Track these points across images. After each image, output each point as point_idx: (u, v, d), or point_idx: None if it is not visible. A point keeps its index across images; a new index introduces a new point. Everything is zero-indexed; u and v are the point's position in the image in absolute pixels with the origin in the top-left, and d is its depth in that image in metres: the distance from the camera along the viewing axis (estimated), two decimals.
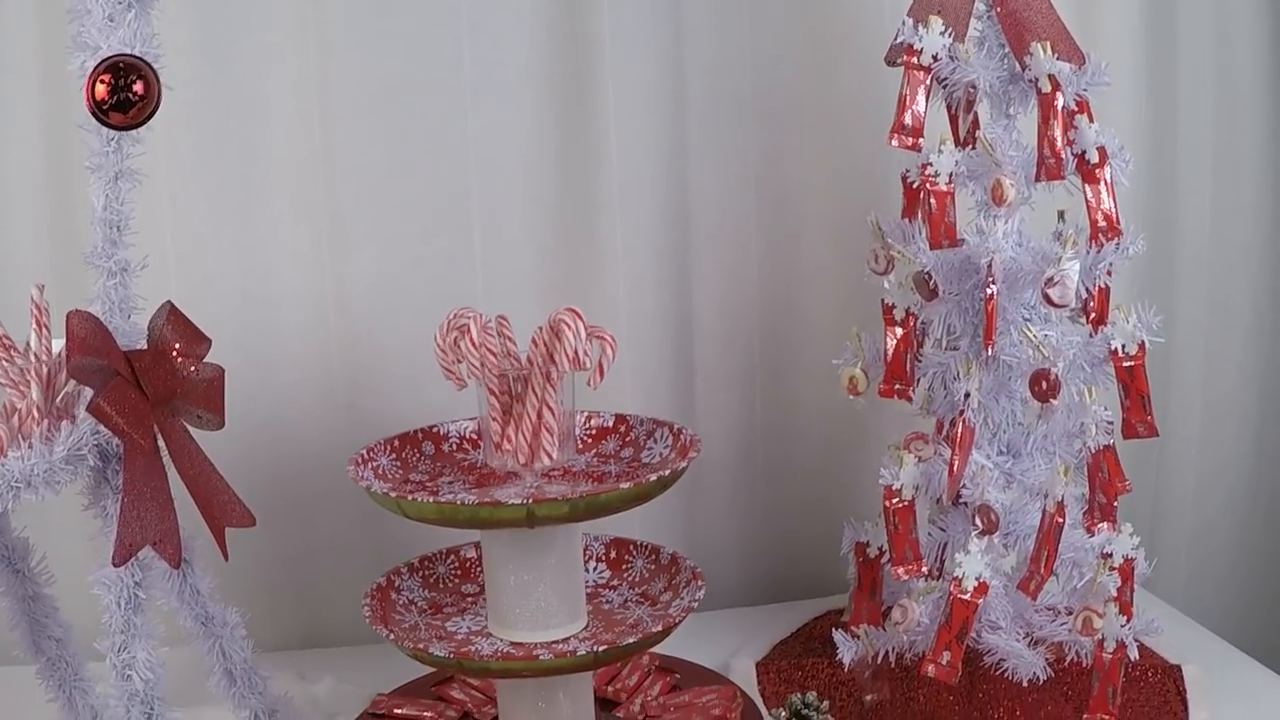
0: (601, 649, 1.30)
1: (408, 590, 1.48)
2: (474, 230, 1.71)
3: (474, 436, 1.49)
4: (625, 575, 1.50)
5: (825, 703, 1.31)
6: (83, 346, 1.27)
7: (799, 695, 1.32)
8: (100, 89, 1.17)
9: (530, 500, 1.25)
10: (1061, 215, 1.47)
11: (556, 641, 1.36)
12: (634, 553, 1.51)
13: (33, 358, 1.36)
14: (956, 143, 1.44)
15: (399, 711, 1.52)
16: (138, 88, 1.19)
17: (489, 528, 1.30)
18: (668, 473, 1.31)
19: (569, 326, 1.32)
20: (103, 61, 1.17)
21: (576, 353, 1.32)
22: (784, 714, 1.31)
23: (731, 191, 1.77)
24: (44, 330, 1.38)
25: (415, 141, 1.68)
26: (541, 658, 1.31)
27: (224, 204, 1.65)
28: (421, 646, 1.33)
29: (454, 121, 1.69)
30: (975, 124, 1.47)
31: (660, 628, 1.34)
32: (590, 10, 1.69)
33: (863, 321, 1.64)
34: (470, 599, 1.49)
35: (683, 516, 1.81)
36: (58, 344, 1.37)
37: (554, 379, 1.35)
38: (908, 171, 1.49)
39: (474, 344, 1.34)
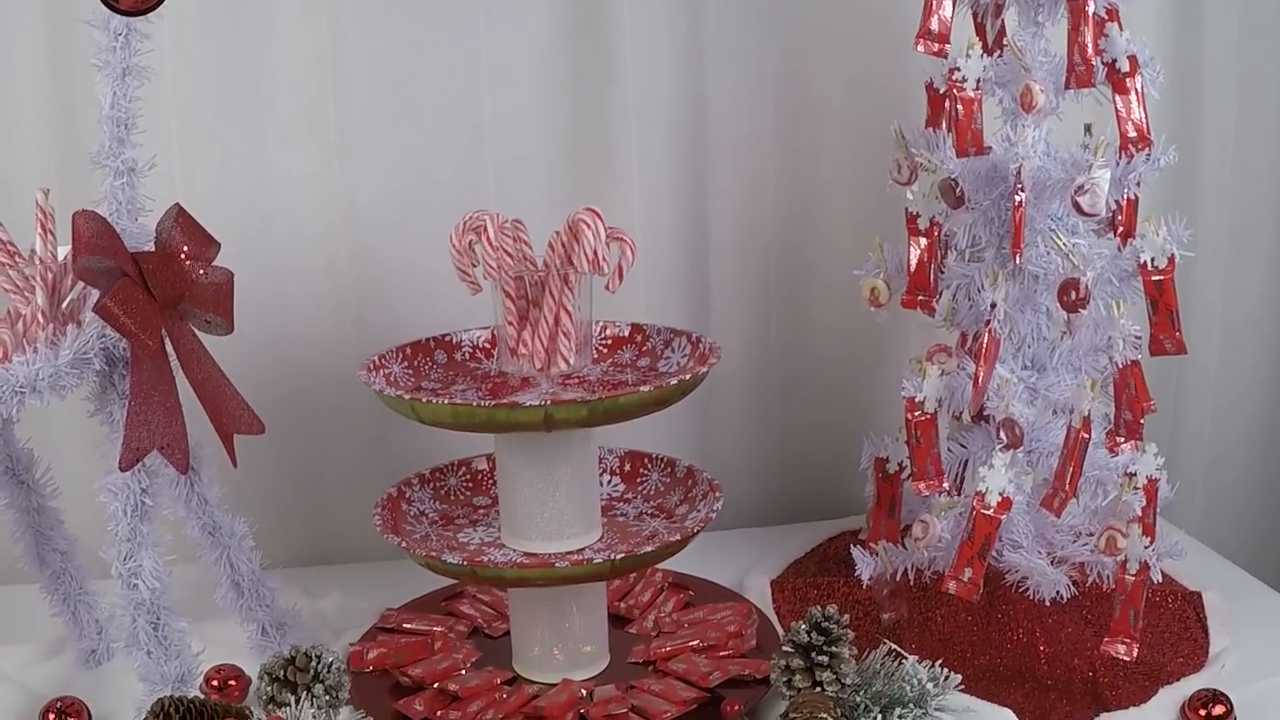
0: (619, 557, 1.27)
1: (418, 502, 1.44)
2: (486, 141, 1.67)
3: (487, 346, 1.45)
4: (640, 489, 1.47)
5: (846, 617, 1.27)
6: (89, 247, 1.24)
7: (819, 609, 1.28)
8: None
9: (548, 402, 1.21)
10: (1088, 129, 1.43)
11: (571, 552, 1.33)
12: (649, 466, 1.48)
13: (38, 263, 1.32)
14: (984, 50, 1.39)
15: (408, 626, 1.49)
16: None
17: (505, 431, 1.26)
18: (688, 377, 1.28)
19: (589, 226, 1.28)
20: None
21: (596, 254, 1.28)
22: (804, 628, 1.27)
23: (749, 103, 1.72)
24: (49, 235, 1.34)
25: (426, 51, 1.63)
26: (557, 566, 1.27)
27: (232, 115, 1.61)
28: (434, 555, 1.29)
29: (466, 30, 1.64)
30: (1002, 31, 1.42)
31: (678, 537, 1.30)
32: None
33: (882, 236, 1.60)
34: (482, 511, 1.46)
35: (696, 434, 1.77)
36: (63, 250, 1.34)
37: (572, 282, 1.31)
38: (932, 79, 1.44)
39: (491, 244, 1.30)
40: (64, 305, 1.34)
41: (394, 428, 1.69)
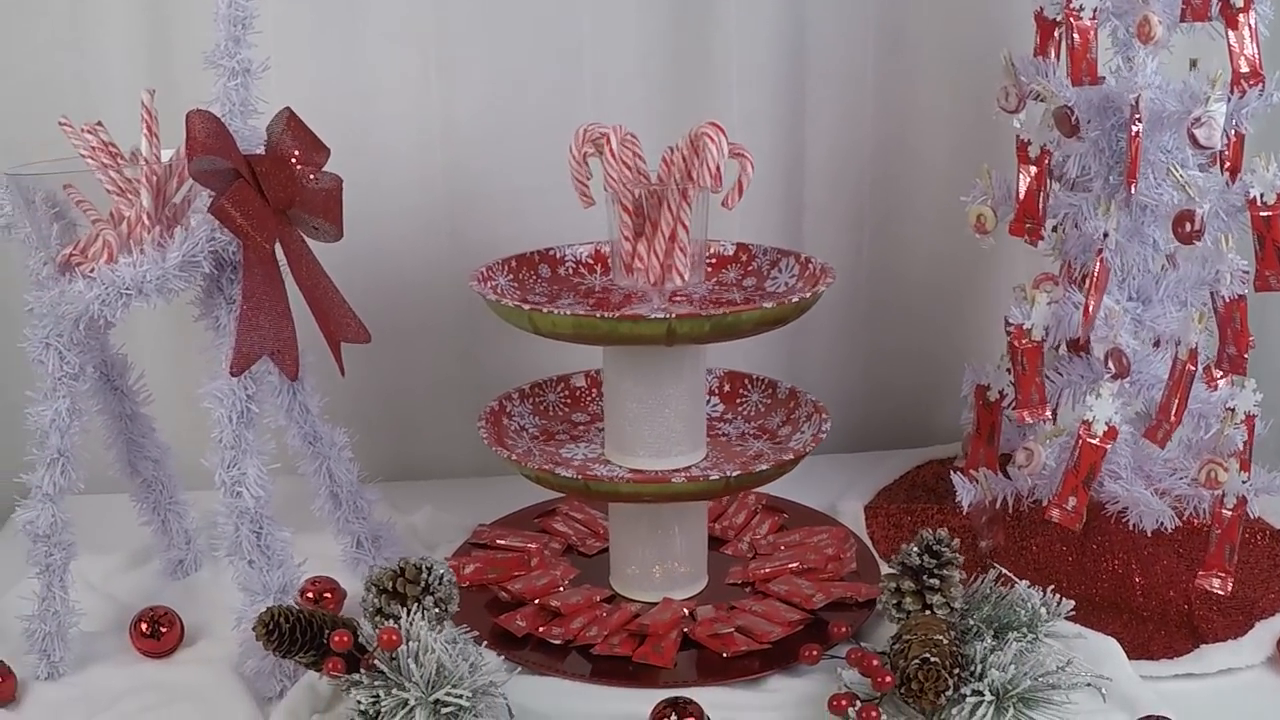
0: (734, 475, 1.23)
1: (518, 416, 1.40)
2: (585, 59, 1.62)
3: (590, 261, 1.41)
4: (740, 409, 1.43)
5: (956, 541, 1.22)
6: (205, 147, 1.18)
7: (930, 531, 1.23)
8: None
9: (673, 316, 1.15)
10: (1194, 64, 1.38)
11: (680, 469, 1.28)
12: (749, 387, 1.44)
13: (143, 164, 1.26)
14: None
15: (501, 542, 1.44)
16: None
17: (626, 343, 1.22)
18: (808, 295, 1.23)
19: (712, 141, 1.23)
20: None
21: (719, 169, 1.22)
22: (915, 550, 1.22)
23: (849, 27, 1.66)
24: (154, 137, 1.27)
25: None
26: (674, 481, 1.22)
27: (329, 24, 1.54)
28: (546, 469, 1.24)
29: None
30: None
31: (791, 456, 1.25)
32: None
33: (977, 163, 1.55)
34: (581, 427, 1.42)
35: (783, 358, 1.73)
36: (167, 152, 1.27)
37: (690, 197, 1.26)
38: (1042, 8, 1.39)
39: (613, 156, 1.25)
40: (168, 208, 1.27)
41: (482, 344, 1.65)
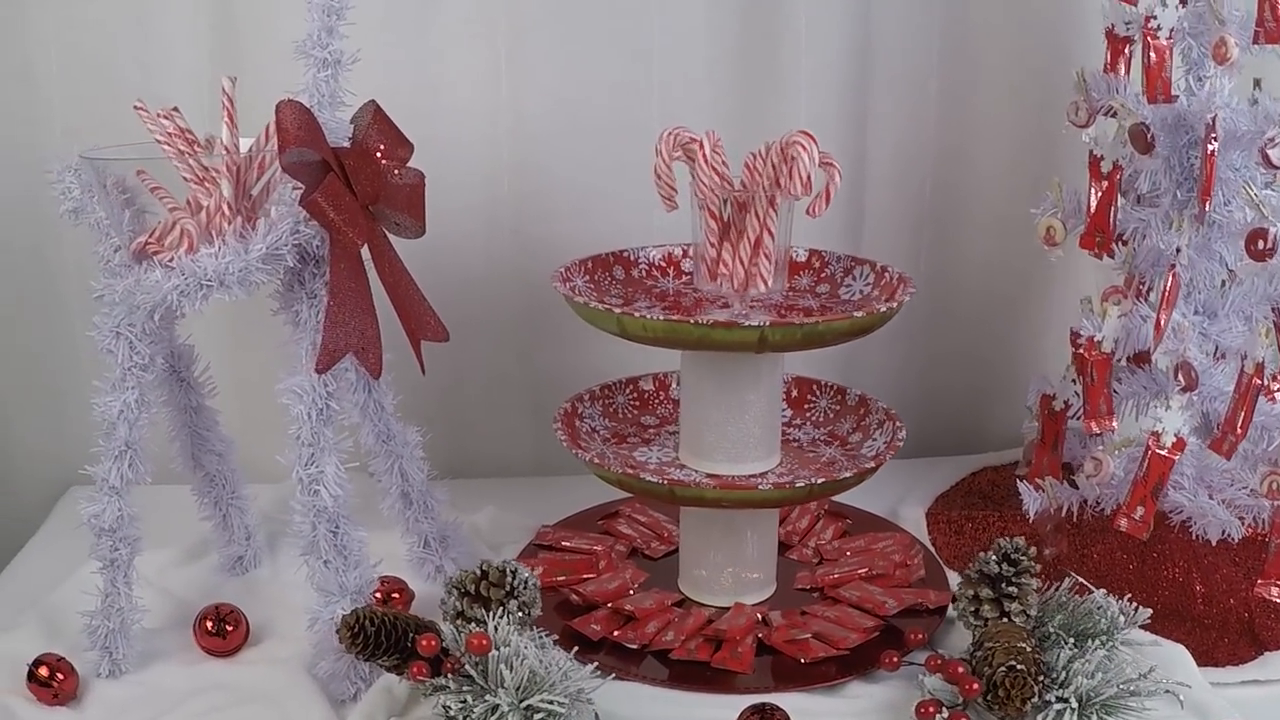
0: (819, 481, 1.20)
1: (590, 418, 1.37)
2: (653, 57, 1.58)
3: (662, 264, 1.38)
4: (808, 415, 1.40)
5: (1032, 550, 1.19)
6: (297, 139, 1.13)
7: (1008, 540, 1.20)
8: None
9: (767, 323, 1.12)
10: (1258, 84, 1.36)
11: (754, 475, 1.24)
12: (818, 392, 1.41)
13: (224, 152, 1.20)
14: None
15: (567, 544, 1.39)
16: None
17: (716, 349, 1.18)
18: (895, 305, 1.21)
19: (804, 149, 1.20)
20: None
21: (809, 178, 1.19)
22: (993, 559, 1.19)
23: (915, 33, 1.64)
24: (235, 125, 1.22)
25: None
26: (760, 488, 1.18)
27: (400, 13, 1.50)
28: (630, 473, 1.20)
29: None
30: None
31: (872, 464, 1.22)
32: None
33: (1036, 173, 1.53)
34: (652, 430, 1.39)
35: (842, 362, 1.71)
36: (245, 141, 1.22)
37: (777, 204, 1.23)
38: (1113, 25, 1.37)
39: (706, 163, 1.21)
40: (246, 198, 1.22)
41: (539, 341, 1.61)
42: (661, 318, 1.15)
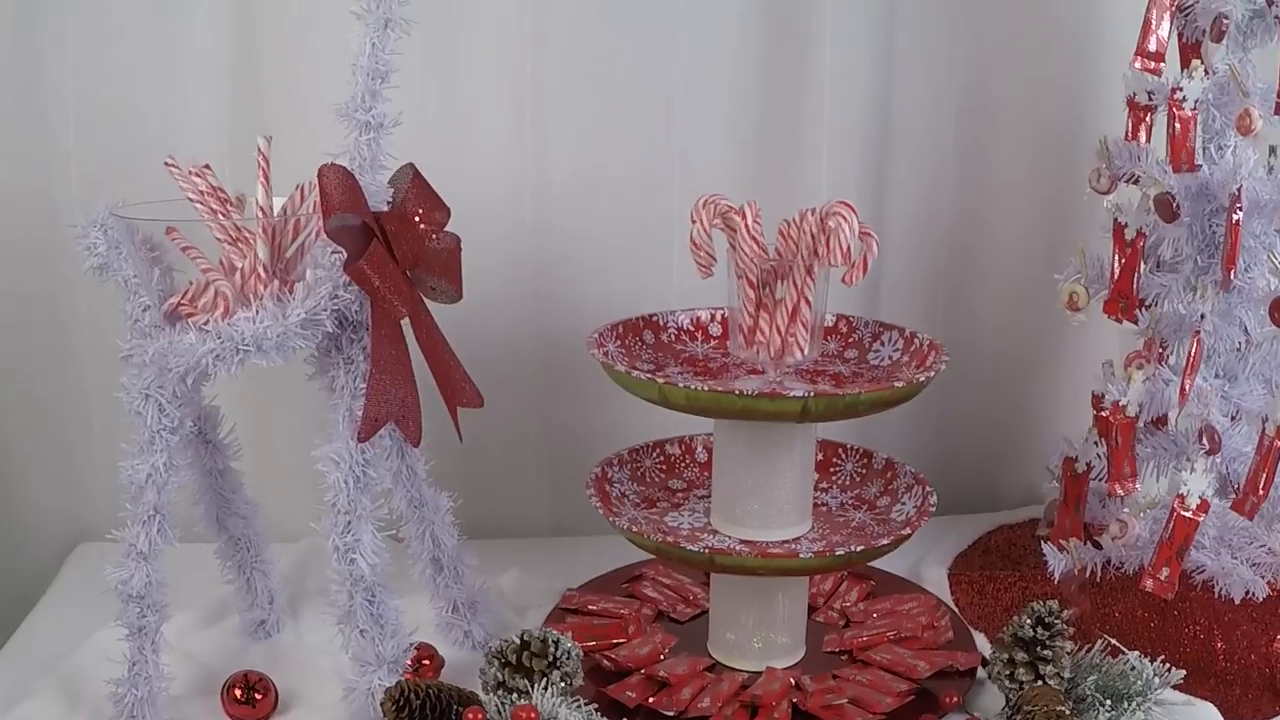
0: (858, 549, 1.18)
1: (619, 483, 1.35)
2: (676, 119, 1.57)
3: (690, 328, 1.36)
4: (834, 478, 1.39)
5: (1066, 612, 1.18)
6: (340, 204, 1.10)
7: (1041, 603, 1.19)
8: None
9: (811, 394, 1.11)
10: (1274, 150, 1.36)
11: (789, 541, 1.24)
12: (843, 456, 1.40)
13: (259, 213, 1.17)
14: (1185, 68, 1.33)
15: (593, 608, 1.37)
16: None
17: (761, 419, 1.17)
18: (933, 374, 1.21)
19: (845, 220, 1.19)
20: None
21: (850, 250, 1.18)
22: (1028, 622, 1.18)
23: (934, 99, 1.64)
24: (269, 186, 1.19)
25: (624, 22, 1.53)
26: (801, 557, 1.16)
27: (426, 72, 1.47)
28: (671, 540, 1.18)
29: (665, 4, 1.53)
30: (1199, 53, 1.35)
31: (909, 530, 1.21)
32: None
33: (1052, 237, 1.53)
34: (680, 495, 1.37)
35: (856, 423, 1.66)
36: (278, 200, 1.19)
37: (815, 273, 1.21)
38: (1135, 94, 1.37)
39: (749, 233, 1.19)
40: (281, 260, 1.19)
41: (558, 402, 1.60)
42: (706, 388, 1.13)
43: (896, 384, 1.17)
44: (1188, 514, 1.29)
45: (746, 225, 1.21)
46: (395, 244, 1.14)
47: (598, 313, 1.35)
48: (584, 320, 1.36)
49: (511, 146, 1.54)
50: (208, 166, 1.20)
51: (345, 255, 1.11)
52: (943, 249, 1.68)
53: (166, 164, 1.19)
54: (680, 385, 1.14)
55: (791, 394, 1.13)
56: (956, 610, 1.41)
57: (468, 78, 1.51)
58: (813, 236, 1.21)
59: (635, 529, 1.22)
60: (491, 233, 1.54)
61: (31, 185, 1.49)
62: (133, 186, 1.45)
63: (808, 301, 1.23)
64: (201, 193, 1.20)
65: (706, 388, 1.13)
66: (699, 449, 1.41)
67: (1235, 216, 1.27)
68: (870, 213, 1.63)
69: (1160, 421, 1.40)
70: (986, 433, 1.75)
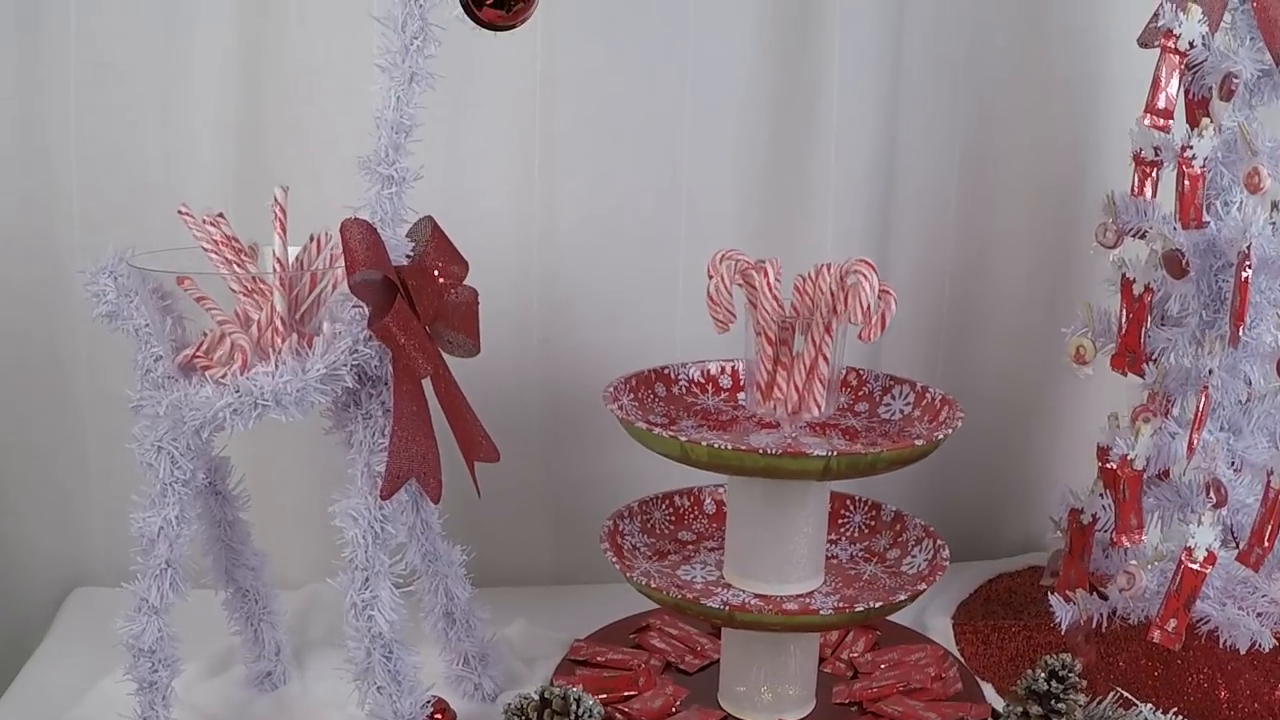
0: (877, 605, 1.18)
1: (630, 535, 1.33)
2: (683, 168, 1.56)
3: (701, 381, 1.35)
4: (843, 530, 1.38)
5: (1079, 664, 1.18)
6: (365, 260, 1.08)
7: (1055, 657, 1.19)
8: None
9: (834, 453, 1.10)
10: (1276, 206, 1.36)
11: (803, 595, 1.23)
12: (851, 508, 1.38)
13: (276, 265, 1.15)
14: (1191, 126, 1.34)
15: (602, 659, 1.35)
16: None
17: (783, 477, 1.14)
18: (950, 431, 1.21)
19: (865, 279, 1.18)
20: None
21: (870, 308, 1.17)
22: (1042, 676, 1.17)
23: (937, 151, 1.64)
24: (286, 236, 1.17)
25: (633, 72, 1.51)
26: (823, 613, 1.16)
27: (435, 119, 1.43)
28: (691, 597, 1.17)
29: (673, 54, 1.53)
30: (1207, 111, 1.35)
31: (924, 586, 1.21)
32: None
33: (1052, 286, 1.53)
34: (690, 547, 1.36)
35: None
36: (292, 250, 1.18)
37: (833, 330, 1.20)
38: (1141, 149, 1.37)
39: (770, 291, 1.18)
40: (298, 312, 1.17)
41: (562, 451, 1.59)
42: (730, 446, 1.12)
43: (917, 442, 1.16)
44: (1195, 566, 1.29)
45: (769, 283, 1.20)
46: (417, 299, 1.12)
47: (602, 362, 1.34)
48: (588, 369, 1.35)
49: (519, 195, 1.52)
50: (221, 215, 1.18)
51: (368, 311, 1.09)
52: (944, 297, 1.68)
53: (180, 212, 1.17)
54: (704, 444, 1.13)
55: (814, 453, 1.12)
56: (963, 660, 1.41)
57: (477, 125, 1.49)
58: (832, 294, 1.21)
59: (654, 585, 1.20)
60: (499, 280, 1.50)
61: (33, 225, 1.46)
62: (135, 228, 1.44)
63: (825, 358, 1.22)
64: (216, 242, 1.18)
65: (730, 446, 1.12)
66: (707, 500, 1.40)
67: (1244, 274, 1.27)
68: (874, 261, 1.60)
69: (1163, 473, 1.40)
70: (985, 479, 1.75)
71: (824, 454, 1.12)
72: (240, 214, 1.39)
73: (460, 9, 0.99)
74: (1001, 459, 1.74)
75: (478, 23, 1.00)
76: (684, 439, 1.14)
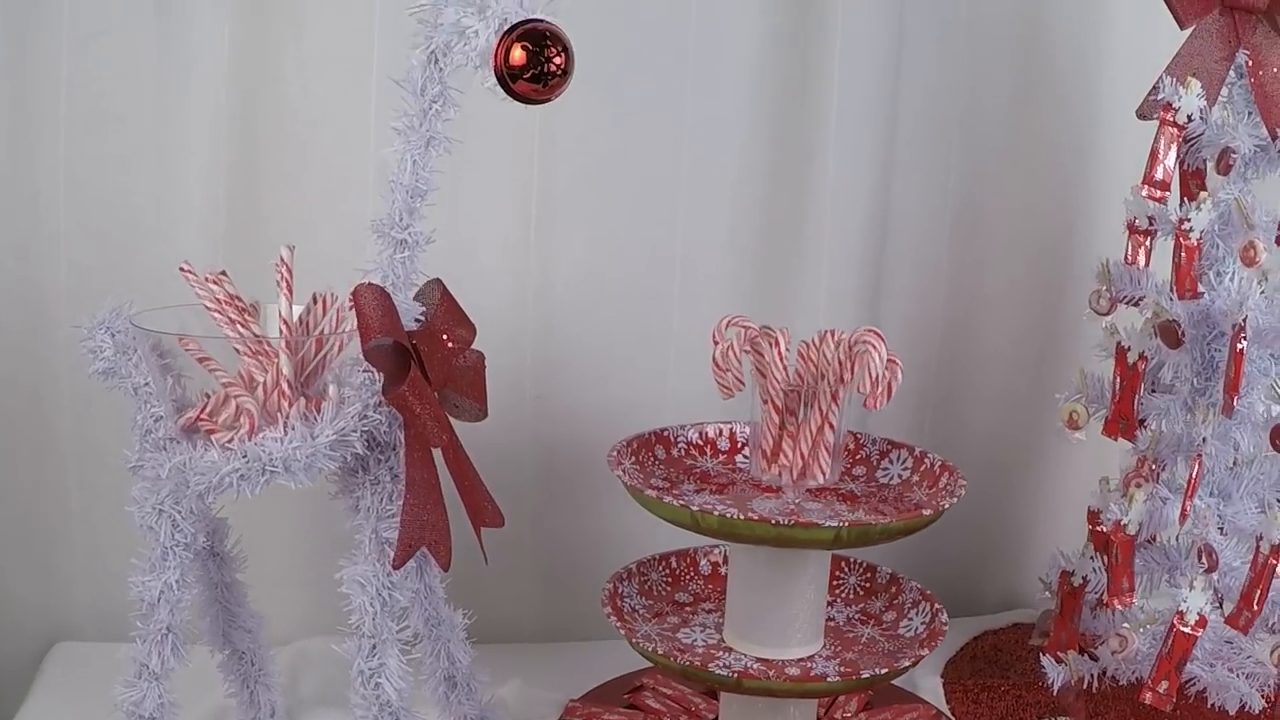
0: (882, 670, 1.20)
1: (629, 598, 1.32)
2: (678, 226, 1.56)
3: (699, 443, 1.35)
4: (838, 592, 1.39)
5: None
6: (381, 327, 1.07)
7: (1051, 718, 1.21)
8: (518, 54, 0.95)
9: (845, 525, 1.12)
10: (1267, 276, 1.39)
11: (805, 659, 1.24)
12: (846, 569, 1.39)
13: (282, 327, 1.14)
14: (1185, 198, 1.37)
15: None
16: (558, 61, 0.97)
17: (793, 547, 1.16)
18: (956, 499, 1.23)
19: (875, 349, 1.20)
20: (522, 25, 0.95)
21: (878, 377, 1.18)
22: None
23: (929, 212, 1.66)
24: (292, 297, 1.16)
25: (631, 129, 1.51)
26: (829, 680, 1.17)
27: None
28: (699, 665, 1.17)
29: (671, 112, 1.53)
30: (1202, 183, 1.38)
31: (927, 651, 1.22)
32: (822, 10, 1.54)
33: (1039, 348, 1.55)
34: (687, 608, 1.36)
35: None
36: (295, 310, 1.16)
37: (840, 398, 1.21)
38: (1135, 218, 1.39)
39: (781, 360, 1.19)
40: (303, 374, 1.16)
41: (552, 507, 1.57)
42: (742, 516, 1.12)
43: (925, 512, 1.17)
44: (1187, 629, 1.31)
45: (780, 354, 1.20)
46: (427, 364, 1.11)
47: (595, 419, 1.33)
48: (581, 426, 1.34)
49: (517, 250, 1.52)
50: (224, 273, 1.16)
51: (381, 379, 1.09)
52: (933, 357, 1.70)
53: (182, 270, 1.15)
54: (715, 513, 1.13)
55: (825, 524, 1.13)
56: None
57: (475, 182, 1.48)
58: (840, 363, 1.22)
59: (659, 650, 1.20)
60: (493, 336, 1.47)
61: (18, 272, 1.43)
62: (123, 276, 1.42)
63: (831, 425, 1.23)
64: (219, 301, 1.16)
65: (742, 516, 1.12)
66: (702, 562, 1.40)
67: (1240, 345, 1.29)
68: (863, 322, 1.59)
69: (1151, 536, 1.42)
70: (969, 536, 1.76)
71: (835, 525, 1.13)
72: (231, 264, 1.36)
73: (493, 80, 0.98)
74: (986, 517, 1.75)
75: (511, 95, 0.99)
76: (695, 508, 1.14)
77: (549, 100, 0.99)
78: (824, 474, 1.24)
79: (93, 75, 1.41)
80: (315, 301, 1.18)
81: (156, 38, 1.42)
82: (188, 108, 1.43)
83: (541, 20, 0.97)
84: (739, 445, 1.36)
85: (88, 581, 1.49)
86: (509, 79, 0.97)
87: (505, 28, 0.97)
